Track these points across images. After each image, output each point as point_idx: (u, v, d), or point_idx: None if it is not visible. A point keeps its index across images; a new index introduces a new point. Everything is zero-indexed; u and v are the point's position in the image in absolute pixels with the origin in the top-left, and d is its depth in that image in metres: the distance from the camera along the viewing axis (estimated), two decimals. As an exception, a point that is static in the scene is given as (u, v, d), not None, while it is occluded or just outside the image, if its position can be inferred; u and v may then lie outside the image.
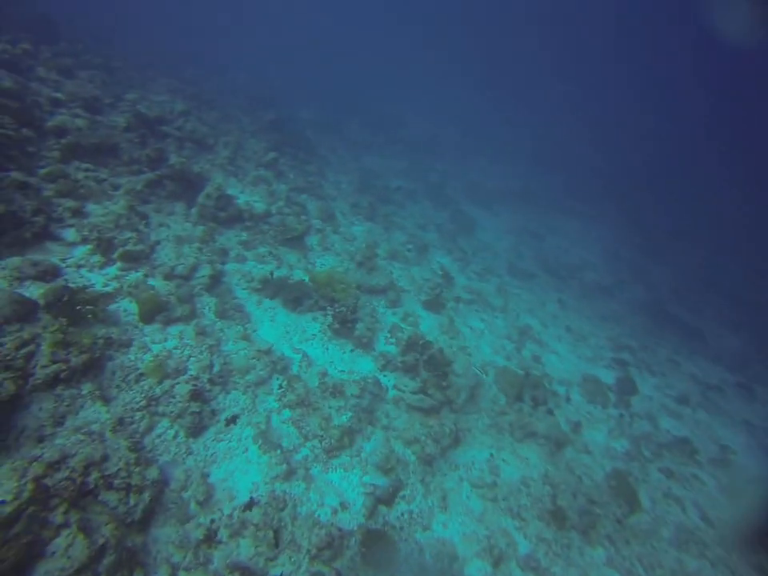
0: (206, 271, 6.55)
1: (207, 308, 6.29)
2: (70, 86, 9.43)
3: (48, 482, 3.23)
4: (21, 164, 6.47)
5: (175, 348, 5.42)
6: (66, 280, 5.45)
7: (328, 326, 7.33)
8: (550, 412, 8.65)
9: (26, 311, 4.62)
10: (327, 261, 9.16)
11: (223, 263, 7.42)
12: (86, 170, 7.29)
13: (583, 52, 56.17)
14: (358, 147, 21.07)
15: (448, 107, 35.96)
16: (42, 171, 6.61)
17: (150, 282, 5.91)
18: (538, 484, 6.94)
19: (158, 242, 6.88)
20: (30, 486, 3.05)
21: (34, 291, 5.00)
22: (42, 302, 4.81)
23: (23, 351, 4.15)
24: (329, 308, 7.41)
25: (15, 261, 5.18)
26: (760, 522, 7.34)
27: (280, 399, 5.90)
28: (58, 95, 8.86)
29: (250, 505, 4.33)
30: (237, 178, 10.65)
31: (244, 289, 7.16)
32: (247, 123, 15.74)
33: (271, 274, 7.29)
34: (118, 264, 5.94)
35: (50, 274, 5.36)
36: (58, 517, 3.07)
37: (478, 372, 8.85)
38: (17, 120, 7.04)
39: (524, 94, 44.93)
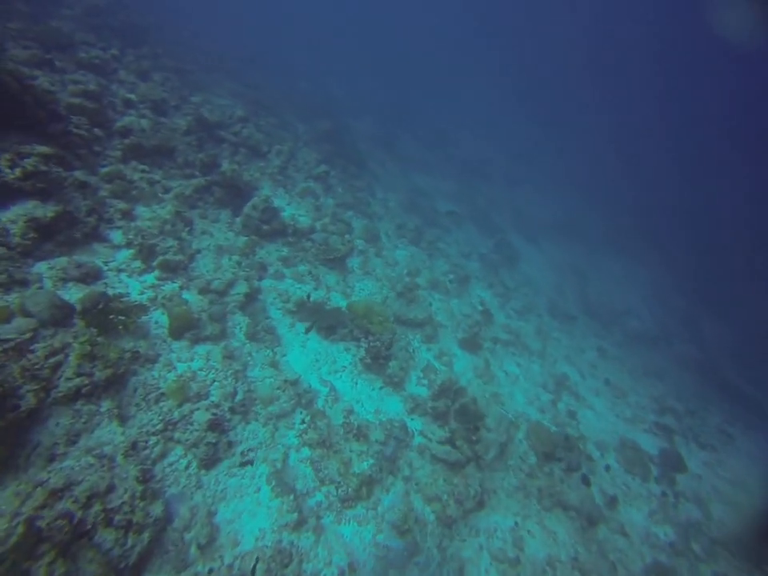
0: (241, 288, 6.37)
1: (238, 328, 6.09)
2: (143, 87, 9.71)
3: (42, 521, 3.01)
4: (86, 162, 6.58)
5: (200, 369, 5.22)
6: (105, 284, 5.40)
7: (360, 359, 6.98)
8: (584, 480, 7.90)
9: (62, 315, 4.54)
10: (366, 286, 8.86)
11: (260, 279, 7.25)
12: (142, 171, 7.35)
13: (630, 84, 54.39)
14: (409, 163, 20.89)
15: (501, 131, 35.37)
16: (103, 171, 6.69)
17: (185, 295, 5.79)
18: (565, 568, 6.24)
19: (198, 251, 6.79)
20: (20, 530, 2.83)
21: (75, 294, 4.94)
22: (78, 306, 4.74)
23: (52, 361, 4.03)
24: (363, 339, 7.07)
25: (62, 261, 5.16)
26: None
27: (301, 436, 5.58)
28: (131, 96, 9.11)
29: (253, 570, 3.97)
30: (285, 188, 10.61)
31: (278, 309, 6.94)
32: (302, 131, 15.88)
33: (308, 297, 7.05)
34: (157, 272, 5.86)
35: (91, 276, 5.32)
36: (41, 569, 2.83)
37: (511, 418, 8.26)
38: (91, 120, 7.23)
39: (576, 124, 43.70)
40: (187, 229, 7.02)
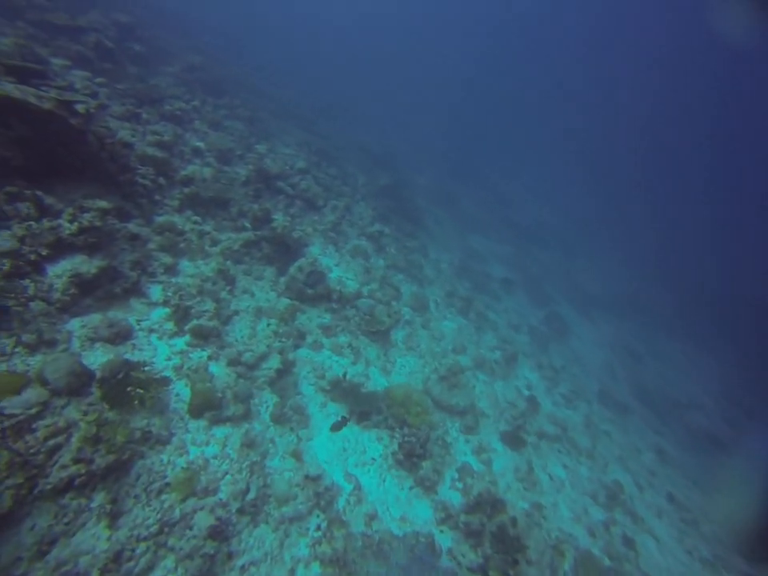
0: (274, 363, 5.91)
1: (264, 407, 5.57)
2: (213, 137, 10.07)
3: None
4: (144, 212, 6.61)
5: (214, 458, 4.68)
6: (133, 344, 5.11)
7: (392, 452, 6.22)
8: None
9: (79, 384, 4.22)
10: (409, 362, 8.20)
11: (297, 347, 6.80)
12: (194, 222, 7.32)
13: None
14: (466, 222, 20.58)
15: (563, 197, 34.65)
16: (157, 221, 6.67)
17: (213, 367, 5.39)
18: None
19: (236, 313, 6.48)
20: None
21: (100, 357, 4.66)
22: (99, 374, 4.42)
23: (51, 443, 3.64)
24: (398, 430, 6.33)
25: (96, 319, 4.95)
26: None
27: (313, 546, 4.82)
28: (200, 145, 9.42)
29: None
30: (336, 246, 10.39)
31: (311, 384, 6.41)
32: (362, 184, 16.01)
33: (344, 375, 6.48)
34: (188, 338, 5.53)
35: (121, 336, 5.05)
36: None
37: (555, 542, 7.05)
38: (158, 170, 7.39)
39: (644, 197, 42.18)
40: (228, 288, 6.78)
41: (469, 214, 21.85)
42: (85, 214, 5.19)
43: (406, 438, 6.09)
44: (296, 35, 39.32)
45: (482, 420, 8.38)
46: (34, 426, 3.64)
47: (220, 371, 5.40)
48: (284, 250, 8.26)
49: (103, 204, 5.44)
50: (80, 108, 5.42)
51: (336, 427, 5.52)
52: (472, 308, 11.94)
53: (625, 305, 22.52)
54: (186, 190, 7.61)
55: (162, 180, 7.33)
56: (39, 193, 4.92)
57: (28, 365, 4.10)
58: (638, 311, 22.89)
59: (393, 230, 13.40)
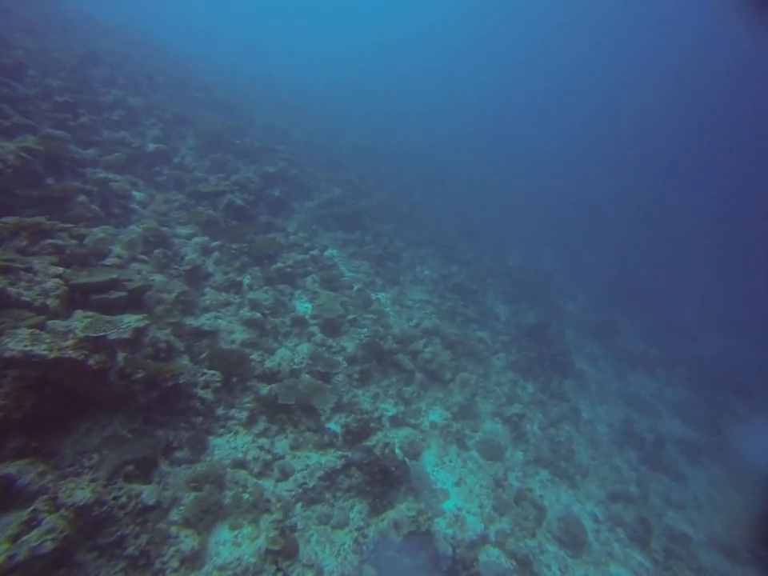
0: None
1: None
2: (324, 297, 8.70)
3: None
4: (193, 440, 4.90)
5: None
6: None
7: None
8: None
9: None
10: None
11: None
12: (261, 446, 5.31)
13: None
14: (626, 360, 15.78)
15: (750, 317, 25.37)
16: (199, 466, 4.82)
17: None
18: None
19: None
20: None
21: None
22: None
23: None
24: None
25: None
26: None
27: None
28: (304, 311, 8.05)
29: None
30: (458, 444, 7.39)
31: None
32: (502, 326, 13.07)
33: None
34: None
35: None
36: None
37: None
38: (228, 371, 5.87)
39: None
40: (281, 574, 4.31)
41: (631, 348, 16.80)
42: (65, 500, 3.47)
43: None
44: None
45: None
46: None
47: None
48: (381, 481, 5.62)
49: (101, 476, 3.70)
50: (113, 336, 4.06)
51: None
52: (651, 532, 7.27)
53: None
54: (264, 392, 5.82)
55: (234, 381, 5.71)
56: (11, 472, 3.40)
57: None
58: None
59: (537, 391, 10.32)
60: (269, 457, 5.23)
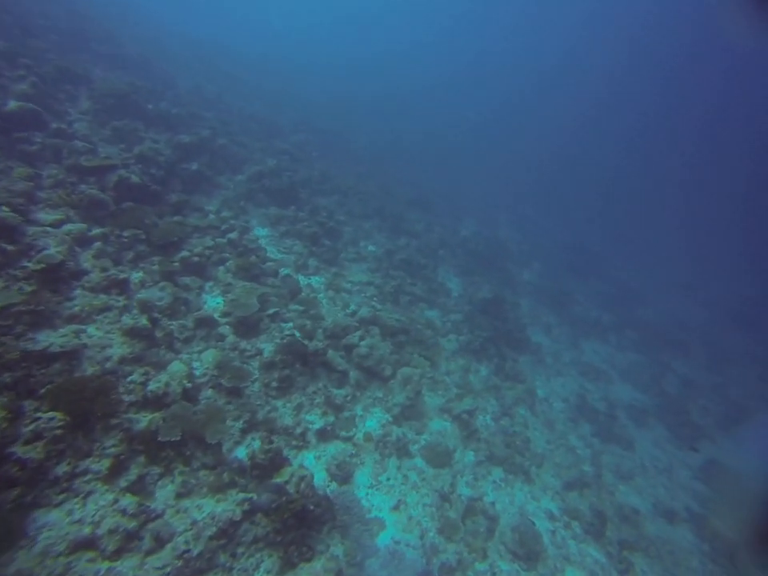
0: None
1: None
2: (239, 289, 7.35)
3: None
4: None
5: None
6: None
7: None
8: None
9: None
10: None
11: None
12: (123, 509, 4.07)
13: None
14: (580, 327, 15.69)
15: (712, 287, 26.30)
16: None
17: None
18: None
19: None
20: None
21: None
22: None
23: None
24: None
25: None
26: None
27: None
28: (215, 306, 6.70)
29: None
30: (399, 455, 6.50)
31: None
32: (454, 303, 12.25)
33: None
34: None
35: None
36: None
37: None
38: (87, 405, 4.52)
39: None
40: None
41: (584, 316, 16.79)
42: None
43: None
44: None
45: None
46: None
47: None
48: (297, 524, 4.60)
49: None
50: None
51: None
52: (606, 532, 6.90)
53: None
54: (143, 424, 4.56)
55: (93, 419, 4.39)
56: None
57: None
58: None
59: (491, 374, 9.95)
60: (134, 523, 3.99)
